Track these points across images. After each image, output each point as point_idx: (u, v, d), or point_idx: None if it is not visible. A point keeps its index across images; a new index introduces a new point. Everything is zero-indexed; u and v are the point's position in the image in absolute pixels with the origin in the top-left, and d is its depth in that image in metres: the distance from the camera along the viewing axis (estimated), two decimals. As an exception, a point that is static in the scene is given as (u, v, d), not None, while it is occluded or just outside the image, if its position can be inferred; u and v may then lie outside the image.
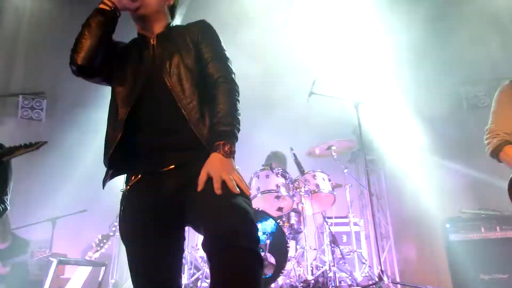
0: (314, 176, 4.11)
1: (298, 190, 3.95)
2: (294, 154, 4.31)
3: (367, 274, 4.09)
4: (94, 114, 6.17)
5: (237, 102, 1.45)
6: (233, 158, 1.34)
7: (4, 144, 1.90)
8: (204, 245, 1.17)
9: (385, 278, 3.57)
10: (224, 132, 1.34)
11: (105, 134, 1.50)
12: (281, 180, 3.88)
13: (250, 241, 1.15)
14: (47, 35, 6.62)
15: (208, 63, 1.51)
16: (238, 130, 1.40)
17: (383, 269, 3.67)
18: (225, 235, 1.13)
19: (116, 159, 1.42)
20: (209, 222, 1.20)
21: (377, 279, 3.66)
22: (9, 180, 2.00)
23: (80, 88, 6.31)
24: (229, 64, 1.55)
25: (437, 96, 6.22)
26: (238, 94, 1.49)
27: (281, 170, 3.96)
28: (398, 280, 5.35)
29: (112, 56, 1.55)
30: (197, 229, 1.41)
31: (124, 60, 1.55)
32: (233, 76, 1.52)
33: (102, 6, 1.47)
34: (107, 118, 1.53)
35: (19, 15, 6.94)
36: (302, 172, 4.20)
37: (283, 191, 3.82)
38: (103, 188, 1.47)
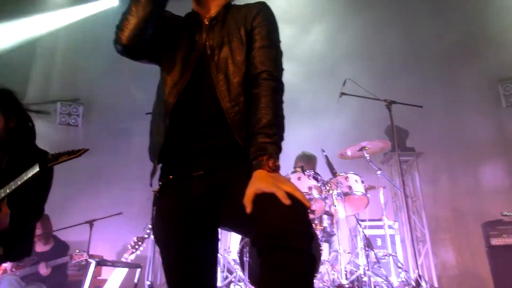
0: (346, 178, 4.04)
1: (330, 192, 3.90)
2: (326, 156, 4.26)
3: (404, 279, 3.98)
4: (127, 118, 6.36)
5: (282, 106, 1.29)
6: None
7: (48, 151, 1.97)
8: (254, 243, 1.09)
9: (423, 283, 3.46)
10: (267, 145, 1.18)
11: (151, 124, 1.41)
12: (313, 183, 3.84)
13: (303, 242, 1.02)
14: (82, 43, 6.89)
15: (255, 51, 1.33)
16: (282, 139, 1.23)
17: (420, 273, 3.56)
18: (276, 235, 1.01)
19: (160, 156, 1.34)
20: (258, 220, 1.07)
21: (414, 284, 3.55)
22: (50, 187, 2.09)
23: (113, 93, 6.55)
24: (279, 57, 1.36)
25: (474, 94, 6.01)
26: (283, 93, 1.31)
27: (312, 172, 3.93)
28: (436, 286, 5.17)
29: (162, 32, 1.41)
30: (237, 229, 1.35)
31: (175, 41, 1.40)
32: (280, 72, 1.34)
33: None
34: (153, 107, 1.44)
35: (56, 25, 7.25)
36: (334, 174, 4.14)
37: (315, 194, 3.78)
38: (151, 185, 1.41)
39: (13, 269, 3.88)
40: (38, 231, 4.11)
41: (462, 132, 5.80)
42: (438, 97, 5.79)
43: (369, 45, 6.25)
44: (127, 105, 6.41)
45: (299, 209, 1.07)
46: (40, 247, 4.33)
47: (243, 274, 3.70)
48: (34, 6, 6.79)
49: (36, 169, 1.77)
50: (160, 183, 1.38)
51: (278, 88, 1.30)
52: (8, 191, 1.82)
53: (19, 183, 1.80)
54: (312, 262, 1.04)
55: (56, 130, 6.57)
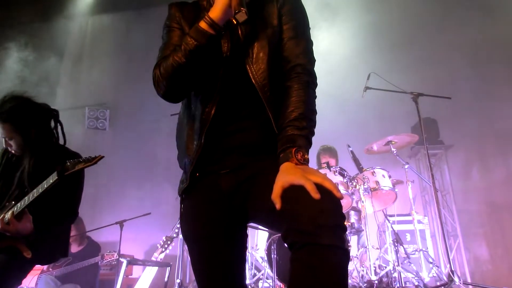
0: (373, 173, 3.99)
1: (357, 188, 3.85)
2: (352, 151, 4.21)
3: (435, 275, 3.89)
4: (152, 120, 6.49)
5: (314, 100, 1.25)
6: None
7: (80, 154, 2.00)
8: (284, 238, 1.03)
9: (456, 279, 3.36)
10: (296, 137, 1.15)
11: (180, 135, 1.36)
12: (339, 178, 3.81)
13: (336, 236, 0.96)
14: (107, 49, 7.07)
15: (285, 43, 1.29)
16: (313, 134, 1.20)
17: (452, 268, 3.46)
18: (307, 230, 0.96)
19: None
20: (288, 214, 1.02)
21: (446, 280, 3.46)
22: (80, 188, 2.10)
23: (137, 97, 6.69)
24: (310, 48, 1.32)
25: (505, 83, 5.79)
26: (316, 87, 1.28)
27: (339, 168, 3.89)
28: (469, 281, 5.02)
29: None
30: (267, 225, 1.32)
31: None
32: (313, 65, 1.30)
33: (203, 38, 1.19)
34: (182, 112, 1.39)
35: (82, 32, 7.48)
36: (360, 169, 4.09)
37: (341, 190, 3.74)
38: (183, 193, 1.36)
39: (50, 269, 4.02)
40: (72, 233, 4.24)
41: (494, 122, 5.59)
42: (467, 87, 5.61)
43: (393, 37, 6.11)
44: (152, 107, 6.53)
45: (329, 201, 1.00)
46: (74, 248, 4.48)
47: (271, 271, 3.71)
48: (61, 13, 7.01)
49: (55, 177, 1.76)
50: (185, 182, 1.32)
51: (311, 83, 1.27)
52: (29, 199, 1.81)
53: (40, 191, 1.79)
54: (345, 256, 0.99)
55: (85, 134, 6.77)
